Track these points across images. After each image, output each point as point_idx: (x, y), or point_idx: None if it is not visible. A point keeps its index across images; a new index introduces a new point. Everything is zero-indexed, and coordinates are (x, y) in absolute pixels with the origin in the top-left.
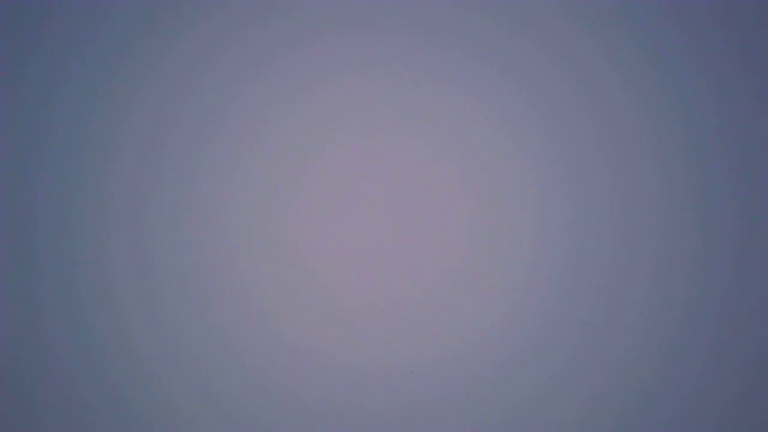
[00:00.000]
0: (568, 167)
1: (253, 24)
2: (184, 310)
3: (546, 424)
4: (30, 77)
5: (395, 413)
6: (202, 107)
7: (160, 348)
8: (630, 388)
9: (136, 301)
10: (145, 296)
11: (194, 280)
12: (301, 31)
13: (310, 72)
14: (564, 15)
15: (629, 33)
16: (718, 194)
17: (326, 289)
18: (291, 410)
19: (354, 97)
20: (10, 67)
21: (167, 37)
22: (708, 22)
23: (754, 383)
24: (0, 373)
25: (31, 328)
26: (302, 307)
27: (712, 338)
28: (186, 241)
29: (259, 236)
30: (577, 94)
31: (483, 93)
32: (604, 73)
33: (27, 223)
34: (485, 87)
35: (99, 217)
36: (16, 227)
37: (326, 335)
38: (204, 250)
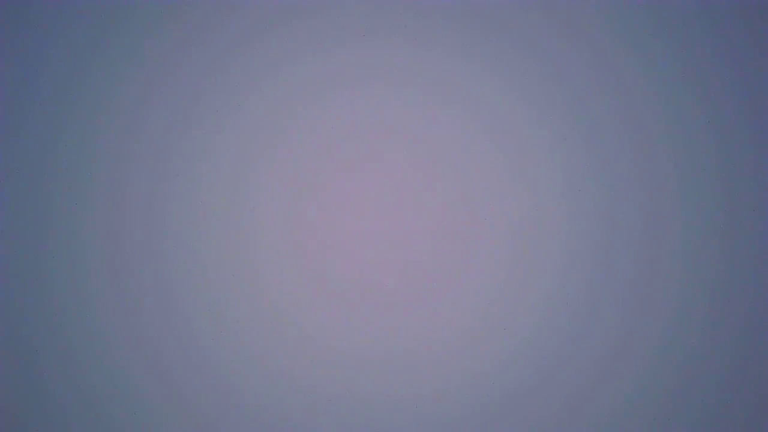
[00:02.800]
0: (561, 168)
1: (266, 30)
2: (197, 304)
3: (539, 415)
4: (44, 81)
5: (402, 401)
6: (217, 110)
7: (174, 342)
8: (618, 381)
9: (150, 296)
10: (159, 291)
11: (209, 276)
12: (313, 40)
13: (321, 79)
14: (554, 24)
15: (620, 37)
16: (707, 192)
17: (336, 282)
18: (304, 400)
19: (360, 104)
20: (25, 70)
21: (180, 43)
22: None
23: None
24: (15, 369)
25: (44, 324)
26: (312, 299)
27: (700, 339)
28: (201, 237)
29: (272, 233)
30: (567, 97)
31: (482, 102)
32: (591, 77)
33: (42, 222)
34: (484, 96)
35: (114, 215)
36: (32, 227)
37: (335, 326)
38: (218, 246)
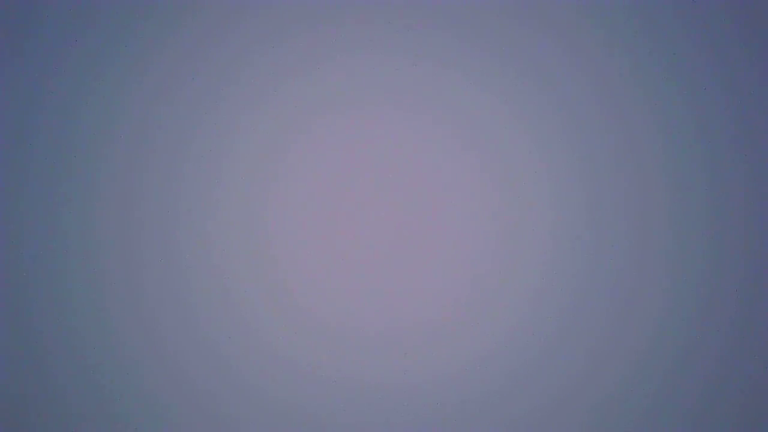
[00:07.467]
0: (550, 166)
1: (280, 35)
2: (211, 300)
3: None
4: (57, 84)
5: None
6: (229, 114)
7: (187, 337)
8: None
9: (164, 299)
10: (173, 294)
11: (222, 271)
12: (324, 48)
13: (327, 85)
14: (542, 30)
15: (607, 41)
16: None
17: (345, 276)
18: (318, 388)
19: (361, 108)
20: (38, 73)
21: (193, 46)
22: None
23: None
24: (26, 364)
25: (58, 331)
26: (321, 293)
27: (687, 338)
28: (214, 235)
29: (282, 231)
30: (558, 106)
31: (474, 107)
32: (579, 82)
33: (52, 227)
34: (476, 102)
35: (128, 216)
36: (46, 226)
37: (347, 317)
38: (231, 244)
